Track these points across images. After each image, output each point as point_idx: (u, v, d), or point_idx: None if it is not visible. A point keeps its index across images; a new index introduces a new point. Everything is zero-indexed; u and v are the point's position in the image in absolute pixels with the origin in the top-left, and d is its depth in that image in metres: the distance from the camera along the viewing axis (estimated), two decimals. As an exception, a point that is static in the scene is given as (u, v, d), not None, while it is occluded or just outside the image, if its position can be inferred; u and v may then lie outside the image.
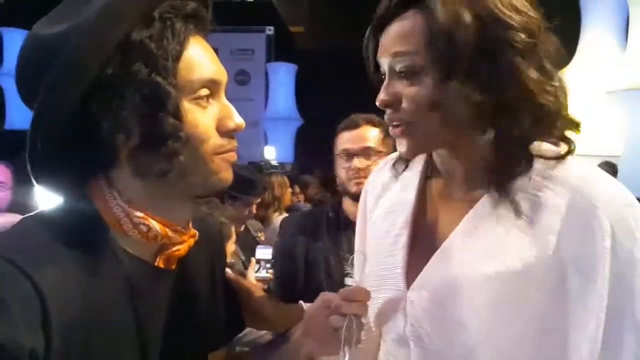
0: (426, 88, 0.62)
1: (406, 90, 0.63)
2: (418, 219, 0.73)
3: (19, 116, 6.99)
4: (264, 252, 2.00)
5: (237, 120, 0.65)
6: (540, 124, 0.62)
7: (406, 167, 0.78)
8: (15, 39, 7.30)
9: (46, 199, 0.67)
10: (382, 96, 0.66)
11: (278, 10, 9.42)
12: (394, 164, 0.79)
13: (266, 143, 8.91)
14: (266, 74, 9.70)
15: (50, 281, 0.54)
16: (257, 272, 1.90)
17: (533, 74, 0.60)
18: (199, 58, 0.62)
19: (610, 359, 0.57)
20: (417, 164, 0.77)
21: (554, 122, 0.63)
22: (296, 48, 10.02)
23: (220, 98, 0.65)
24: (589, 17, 5.66)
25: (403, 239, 0.72)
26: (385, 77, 0.67)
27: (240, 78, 9.76)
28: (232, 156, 0.66)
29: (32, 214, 0.64)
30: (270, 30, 9.90)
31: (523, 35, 0.60)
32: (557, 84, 0.63)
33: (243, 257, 2.07)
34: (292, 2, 8.96)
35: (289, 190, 3.23)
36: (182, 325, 0.70)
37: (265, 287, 1.93)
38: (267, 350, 0.89)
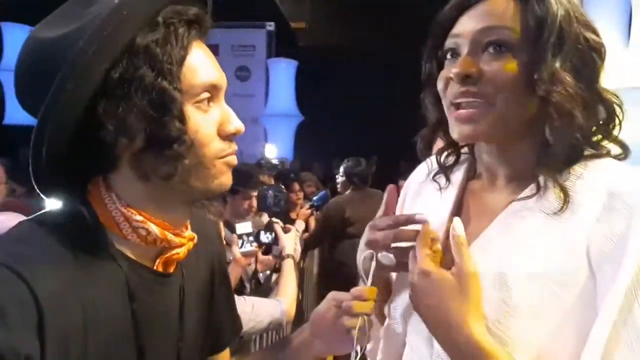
0: (514, 67, 0.62)
1: (495, 66, 0.62)
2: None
3: (19, 111, 6.97)
4: (244, 226, 1.98)
5: (236, 124, 0.65)
6: (599, 128, 0.65)
7: (452, 167, 0.77)
8: (15, 33, 7.27)
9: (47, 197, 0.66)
10: (459, 68, 0.63)
11: (279, 6, 9.38)
12: (436, 173, 0.78)
13: (266, 139, 8.90)
14: (267, 70, 9.69)
15: (47, 286, 0.54)
16: (242, 247, 1.90)
17: (597, 82, 0.64)
18: (201, 63, 0.62)
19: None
20: (460, 165, 0.77)
21: (610, 128, 0.66)
22: (297, 44, 9.99)
23: (220, 102, 0.65)
24: (591, 15, 5.62)
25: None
26: (450, 55, 0.67)
27: (240, 74, 9.73)
28: (233, 160, 0.66)
29: (30, 217, 0.64)
30: (271, 26, 9.86)
31: (595, 37, 0.64)
32: (613, 98, 0.66)
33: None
34: (293, -2, 8.93)
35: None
36: (180, 329, 0.69)
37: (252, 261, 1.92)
38: (274, 352, 0.89)
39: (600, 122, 0.66)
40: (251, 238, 1.94)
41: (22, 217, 0.69)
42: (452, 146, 0.77)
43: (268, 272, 2.15)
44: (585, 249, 0.59)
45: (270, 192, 2.23)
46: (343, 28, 8.34)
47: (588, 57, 0.63)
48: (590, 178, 0.63)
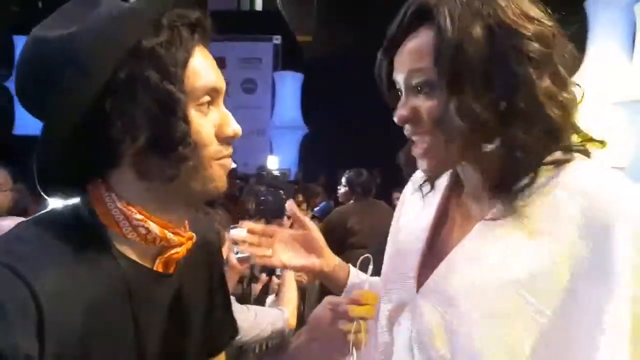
0: (442, 102, 0.62)
1: (424, 104, 0.64)
2: (438, 227, 0.74)
3: (29, 122, 7.05)
4: (239, 232, 1.95)
5: (234, 127, 0.66)
6: (548, 135, 0.62)
7: (432, 186, 0.78)
8: (27, 46, 7.37)
9: (56, 202, 0.68)
10: (400, 112, 0.66)
11: (286, 19, 9.49)
12: (420, 185, 0.79)
13: (271, 151, 8.93)
14: (273, 82, 9.76)
15: (46, 285, 0.55)
16: (237, 253, 1.87)
17: (545, 83, 0.60)
18: (202, 66, 0.63)
19: None
20: (444, 175, 0.78)
21: (561, 133, 0.63)
22: (303, 57, 10.07)
23: (219, 105, 0.66)
24: (595, 29, 5.65)
25: (419, 244, 0.73)
26: (401, 95, 0.68)
27: (247, 86, 9.81)
28: (228, 162, 0.67)
29: (30, 217, 0.65)
30: (277, 39, 9.96)
31: (537, 45, 0.60)
32: (568, 95, 0.63)
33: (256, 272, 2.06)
34: (300, 11, 9.02)
35: None
36: (179, 329, 0.70)
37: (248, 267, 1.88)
38: (272, 354, 0.89)
39: (549, 131, 0.62)
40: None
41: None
42: None
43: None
44: (566, 257, 0.59)
45: (270, 197, 2.16)
46: (349, 41, 8.40)
47: (519, 74, 0.59)
48: (567, 182, 0.61)
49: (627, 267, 0.55)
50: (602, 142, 0.67)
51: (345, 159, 4.41)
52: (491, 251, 0.64)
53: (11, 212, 2.33)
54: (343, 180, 3.63)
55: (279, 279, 2.01)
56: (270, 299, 2.01)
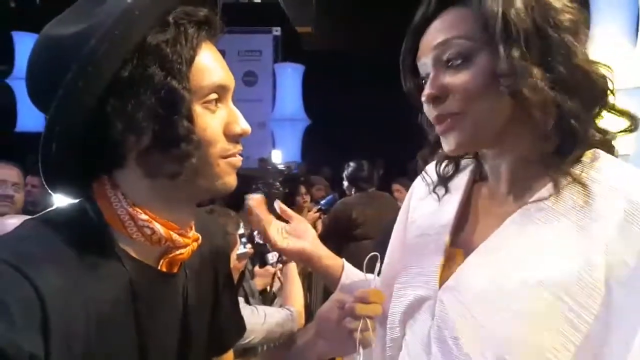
0: (478, 73, 0.61)
1: (456, 78, 0.63)
2: (461, 221, 0.73)
3: (30, 119, 7.07)
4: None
5: (243, 125, 0.66)
6: (595, 104, 0.62)
7: (452, 176, 0.77)
8: (26, 42, 7.35)
9: (62, 200, 0.68)
10: (428, 90, 0.65)
11: (285, 11, 9.42)
12: (435, 185, 0.78)
13: (274, 144, 8.91)
14: (273, 74, 9.71)
15: (51, 285, 0.54)
16: (245, 245, 1.86)
17: (583, 49, 0.62)
18: (210, 64, 0.63)
19: None
20: (465, 169, 0.76)
21: (605, 97, 0.63)
22: (303, 49, 10.02)
23: (227, 103, 0.66)
24: (599, 14, 5.59)
25: (443, 238, 0.71)
26: (425, 82, 0.67)
27: (247, 79, 9.78)
28: (237, 161, 0.67)
29: (34, 216, 0.64)
30: (277, 31, 9.90)
31: (568, 15, 0.61)
32: (599, 64, 0.63)
33: (250, 267, 2.06)
34: (299, 3, 8.96)
35: None
36: (184, 330, 0.70)
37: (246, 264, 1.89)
38: (278, 353, 0.89)
39: (594, 97, 0.63)
40: (244, 239, 1.90)
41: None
42: (450, 156, 0.78)
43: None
44: (604, 262, 0.57)
45: (265, 191, 2.14)
46: (349, 32, 8.34)
47: (558, 40, 0.61)
48: (600, 180, 0.60)
49: None
50: (634, 119, 0.66)
51: (349, 150, 4.40)
52: (520, 248, 0.62)
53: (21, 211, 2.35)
54: (344, 175, 3.61)
55: (273, 267, 2.01)
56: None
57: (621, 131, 0.65)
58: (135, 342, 0.63)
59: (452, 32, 0.63)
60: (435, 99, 0.64)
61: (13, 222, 1.82)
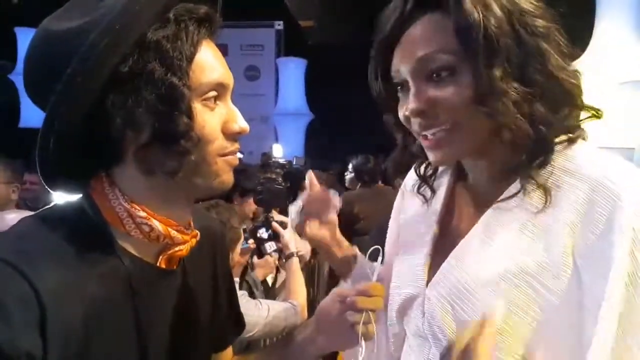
0: (463, 87, 0.60)
1: (443, 92, 0.61)
2: (446, 220, 0.74)
3: (34, 115, 7.10)
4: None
5: (241, 123, 0.65)
6: (564, 107, 0.62)
7: (431, 176, 0.77)
8: (29, 38, 7.37)
9: (61, 197, 0.67)
10: (415, 104, 0.63)
11: (287, 5, 9.38)
12: (419, 185, 0.78)
13: (276, 138, 8.91)
14: (276, 69, 9.70)
15: (49, 283, 0.54)
16: (246, 242, 1.86)
17: (555, 56, 0.61)
18: (209, 61, 0.63)
19: None
20: (448, 168, 0.77)
21: (575, 106, 0.63)
22: (306, 43, 9.99)
23: (226, 101, 0.66)
24: (603, 7, 5.56)
25: (428, 238, 0.73)
26: (401, 88, 0.66)
27: (250, 74, 9.77)
28: (235, 159, 0.67)
29: (32, 214, 0.64)
30: (279, 25, 9.88)
31: (541, 20, 0.60)
32: (572, 68, 0.63)
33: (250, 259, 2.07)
34: (301, -4, 8.92)
35: None
36: (183, 326, 0.69)
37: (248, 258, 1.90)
38: (279, 348, 0.89)
39: (565, 102, 0.63)
40: (246, 235, 1.89)
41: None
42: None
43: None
44: (570, 245, 0.58)
45: (269, 186, 2.12)
46: (352, 25, 8.30)
47: (534, 47, 0.60)
48: (572, 169, 0.61)
49: (625, 259, 0.55)
50: (597, 112, 0.65)
51: (351, 145, 4.40)
52: (497, 243, 0.64)
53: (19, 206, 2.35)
54: (350, 166, 3.62)
55: (271, 256, 2.02)
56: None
57: (586, 118, 0.65)
58: (134, 339, 0.62)
59: (433, 45, 0.61)
60: (421, 113, 0.63)
61: (13, 216, 1.83)
